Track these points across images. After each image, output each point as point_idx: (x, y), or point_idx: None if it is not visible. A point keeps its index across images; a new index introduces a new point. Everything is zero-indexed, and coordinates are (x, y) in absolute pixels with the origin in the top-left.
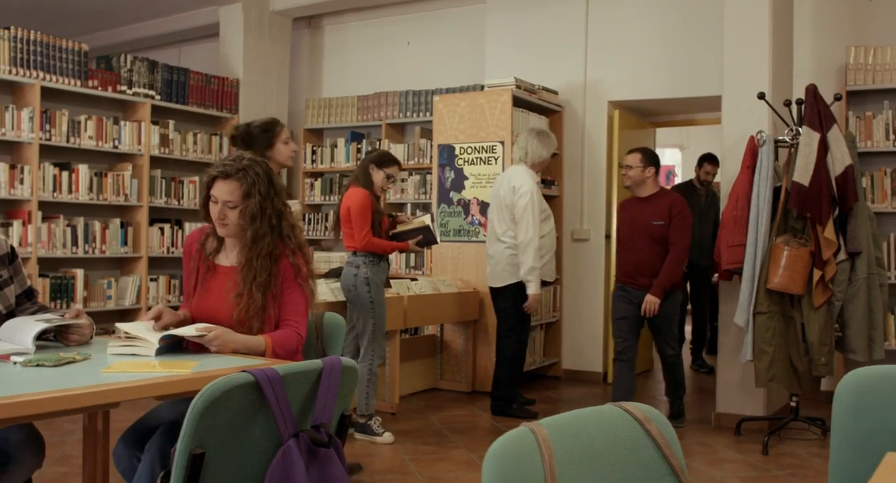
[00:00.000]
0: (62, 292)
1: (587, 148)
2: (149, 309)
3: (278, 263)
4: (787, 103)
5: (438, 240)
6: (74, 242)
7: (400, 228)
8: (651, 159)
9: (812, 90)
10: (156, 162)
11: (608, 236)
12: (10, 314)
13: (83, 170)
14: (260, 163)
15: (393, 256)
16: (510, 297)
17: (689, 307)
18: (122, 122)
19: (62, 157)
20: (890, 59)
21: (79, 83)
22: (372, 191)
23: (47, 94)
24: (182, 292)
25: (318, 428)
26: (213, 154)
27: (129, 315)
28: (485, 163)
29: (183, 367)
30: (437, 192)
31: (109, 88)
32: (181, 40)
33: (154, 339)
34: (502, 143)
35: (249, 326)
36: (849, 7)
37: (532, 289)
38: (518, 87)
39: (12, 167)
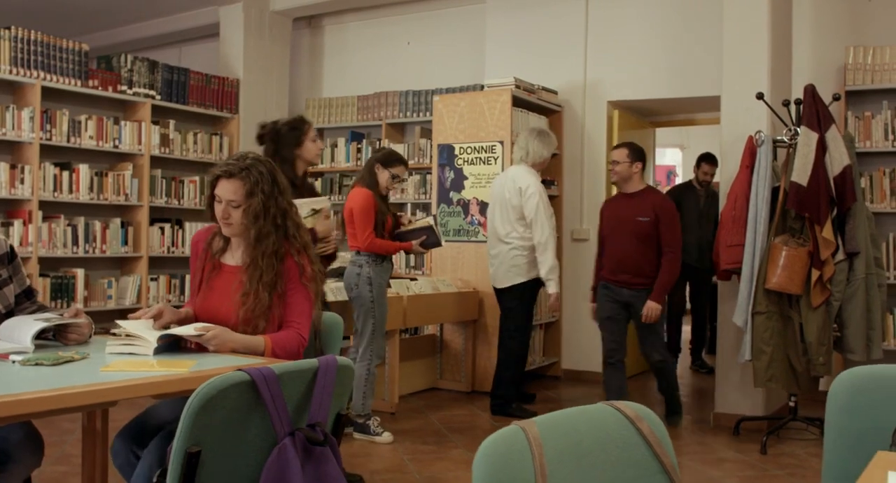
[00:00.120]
0: (63, 292)
1: (587, 148)
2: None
3: (284, 263)
4: (786, 103)
5: (442, 242)
6: (75, 242)
7: (403, 228)
8: (638, 154)
9: (810, 90)
10: (156, 162)
11: None
12: (10, 313)
13: (84, 170)
14: (264, 162)
15: (394, 256)
16: (514, 298)
17: (688, 307)
18: (122, 122)
19: (63, 157)
20: (889, 60)
21: (79, 83)
22: (377, 191)
23: (48, 93)
24: (183, 291)
25: (313, 426)
26: (214, 154)
27: (129, 315)
28: (484, 163)
29: (181, 366)
30: (436, 191)
31: (110, 88)
32: (181, 40)
33: (152, 338)
34: (502, 142)
35: (255, 326)
36: (848, 7)
37: (553, 288)
38: (518, 87)
39: (13, 167)
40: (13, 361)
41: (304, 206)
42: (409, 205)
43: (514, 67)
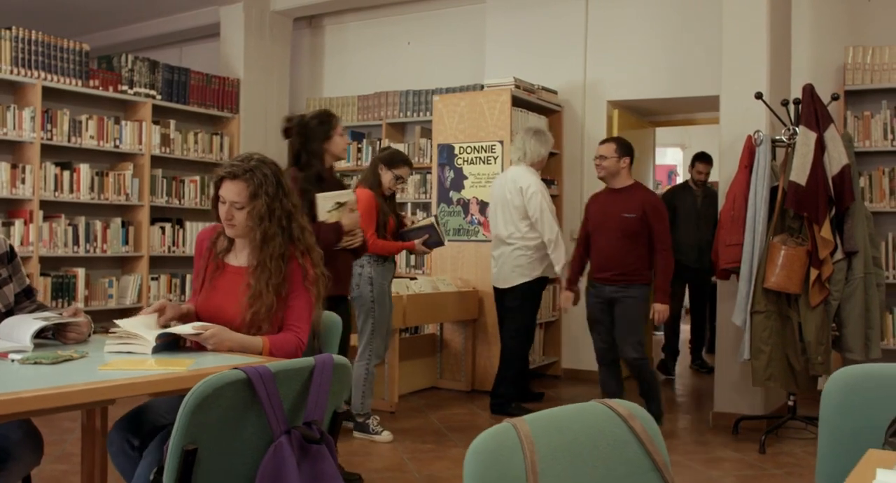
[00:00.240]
0: (63, 291)
1: (587, 148)
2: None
3: (288, 265)
4: (785, 103)
5: (445, 241)
6: (76, 242)
7: (406, 228)
8: (626, 149)
9: (809, 90)
10: (157, 161)
11: None
12: (10, 312)
13: (84, 169)
14: (269, 163)
15: (395, 256)
16: (517, 298)
17: (686, 306)
18: (123, 122)
19: (63, 157)
20: (888, 59)
21: (80, 83)
22: (379, 191)
23: (48, 93)
24: (184, 291)
25: (309, 425)
26: (214, 154)
27: (130, 314)
28: (484, 162)
29: (178, 365)
30: (436, 191)
31: (110, 88)
32: (182, 40)
33: (151, 337)
34: (501, 142)
35: (258, 327)
36: (847, 7)
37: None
38: (517, 86)
39: (14, 167)
40: (12, 360)
41: (328, 199)
42: (409, 204)
43: (514, 67)
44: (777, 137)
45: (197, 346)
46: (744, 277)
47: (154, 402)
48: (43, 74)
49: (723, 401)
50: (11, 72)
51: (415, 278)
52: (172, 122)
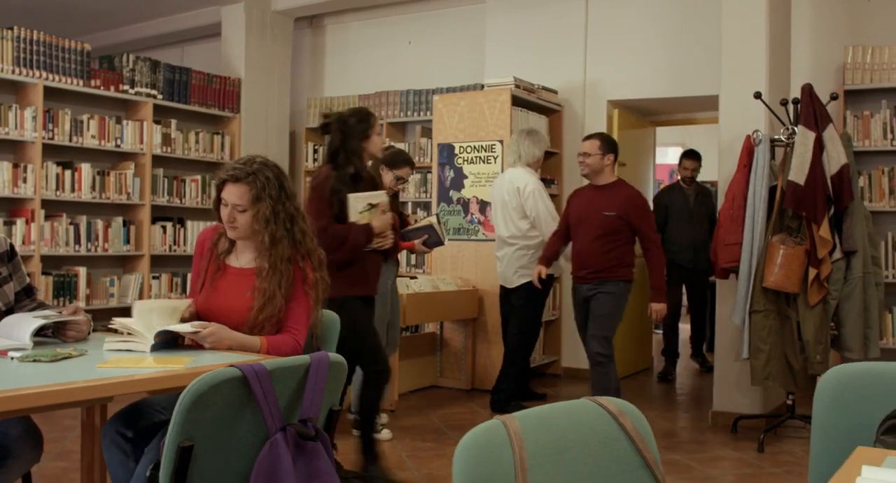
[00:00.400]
0: (65, 290)
1: None
2: None
3: (292, 268)
4: (784, 103)
5: (445, 241)
6: (77, 241)
7: (406, 228)
8: (610, 146)
9: (808, 90)
10: (158, 161)
11: None
12: (10, 311)
13: (86, 169)
14: (271, 166)
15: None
16: (522, 297)
17: (686, 305)
18: (124, 122)
19: (65, 156)
20: (888, 59)
21: (81, 83)
22: None
23: (50, 93)
24: (185, 290)
25: (305, 422)
26: (215, 153)
27: (130, 313)
28: (484, 162)
29: (177, 363)
30: (436, 190)
31: (112, 88)
32: (183, 40)
33: (149, 335)
34: (501, 142)
35: (261, 328)
36: (847, 7)
37: None
38: (517, 86)
39: (15, 166)
40: (12, 358)
41: (361, 200)
42: (409, 204)
43: (514, 67)
44: (776, 137)
45: (195, 345)
46: (742, 277)
47: (151, 398)
48: (44, 74)
49: (722, 400)
50: (13, 72)
51: (415, 277)
52: (173, 122)
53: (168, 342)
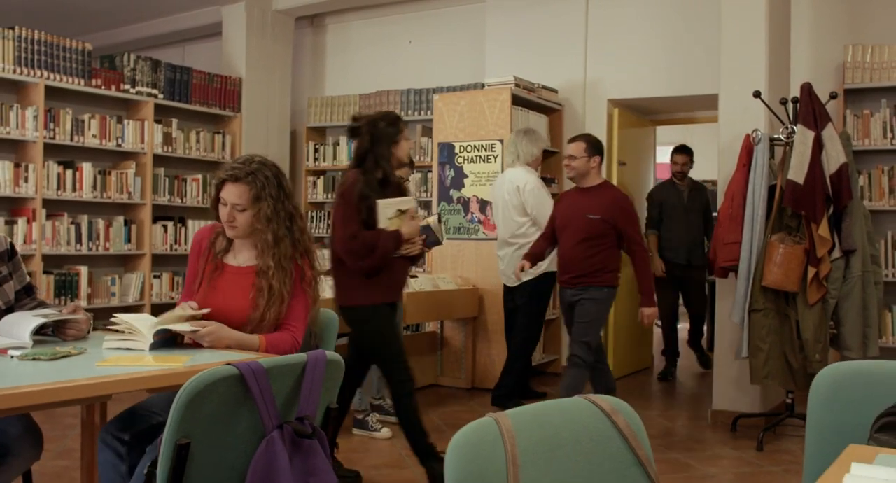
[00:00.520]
0: (66, 289)
1: None
2: (152, 306)
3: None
4: (783, 102)
5: (443, 241)
6: (78, 240)
7: None
8: (596, 148)
9: (807, 89)
10: (159, 160)
11: None
12: (10, 310)
13: (87, 168)
14: (270, 166)
15: None
16: (524, 295)
17: (682, 302)
18: (125, 121)
19: (66, 156)
20: (888, 58)
21: (82, 82)
22: None
23: (51, 93)
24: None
25: (302, 420)
26: (216, 152)
27: (132, 312)
28: (484, 161)
29: (175, 362)
30: (437, 189)
31: (113, 87)
32: (184, 40)
33: (148, 334)
34: (501, 141)
35: (261, 326)
36: (846, 6)
37: None
38: (517, 85)
39: (17, 165)
40: (11, 356)
41: (389, 206)
42: None
43: (514, 66)
44: (775, 136)
45: (194, 344)
46: (742, 276)
47: (148, 401)
48: (46, 74)
49: (721, 398)
50: (14, 71)
51: (415, 276)
52: (174, 121)
53: (167, 341)
